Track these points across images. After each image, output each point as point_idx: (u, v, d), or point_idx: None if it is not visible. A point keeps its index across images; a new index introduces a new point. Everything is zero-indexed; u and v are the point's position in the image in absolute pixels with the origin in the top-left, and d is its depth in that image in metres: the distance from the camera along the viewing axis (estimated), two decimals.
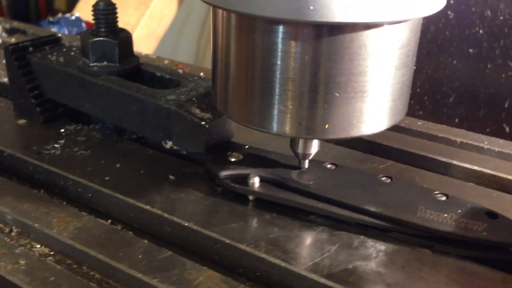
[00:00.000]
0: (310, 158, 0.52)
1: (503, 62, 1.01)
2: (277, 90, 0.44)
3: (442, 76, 1.08)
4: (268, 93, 0.44)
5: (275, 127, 0.46)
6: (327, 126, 0.44)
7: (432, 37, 1.07)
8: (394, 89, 0.45)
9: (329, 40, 0.41)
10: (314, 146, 0.51)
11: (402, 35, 0.43)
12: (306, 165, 0.53)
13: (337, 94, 0.43)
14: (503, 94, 1.03)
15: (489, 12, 1.00)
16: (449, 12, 1.04)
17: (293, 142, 0.51)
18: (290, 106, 0.44)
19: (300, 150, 0.51)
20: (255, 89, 0.45)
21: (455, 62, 1.06)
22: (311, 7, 0.38)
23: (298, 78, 0.43)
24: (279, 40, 0.42)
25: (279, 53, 0.43)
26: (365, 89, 0.43)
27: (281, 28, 0.42)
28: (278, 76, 0.43)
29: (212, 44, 0.49)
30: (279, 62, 0.43)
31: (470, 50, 1.03)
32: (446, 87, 1.09)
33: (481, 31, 1.01)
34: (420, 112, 1.12)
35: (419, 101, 1.12)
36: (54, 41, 0.69)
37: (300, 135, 0.46)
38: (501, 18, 0.99)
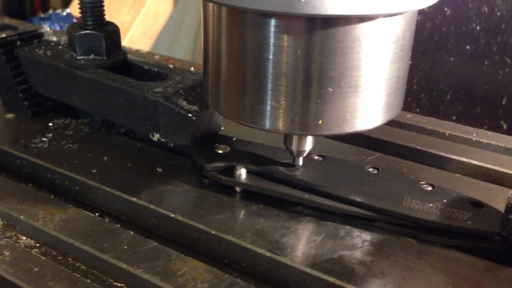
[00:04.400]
0: (304, 155, 0.51)
1: (500, 58, 1.01)
2: (269, 85, 0.43)
3: (438, 73, 1.08)
4: (260, 88, 0.43)
5: (267, 123, 0.45)
6: (320, 122, 0.43)
7: (429, 34, 1.07)
8: (389, 84, 0.44)
9: (321, 34, 0.40)
10: (309, 143, 0.50)
11: (396, 28, 0.42)
12: (301, 163, 0.52)
13: (331, 89, 0.42)
14: (500, 91, 1.02)
15: (486, 8, 1.00)
16: (446, 9, 1.04)
17: (287, 139, 0.50)
18: (283, 102, 0.43)
19: (294, 147, 0.50)
20: (247, 85, 0.44)
21: (452, 59, 1.06)
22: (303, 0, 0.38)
23: (291, 72, 0.42)
24: (271, 34, 0.41)
25: (271, 47, 0.42)
26: (359, 84, 0.42)
27: (272, 22, 0.41)
28: (270, 71, 0.42)
29: (203, 39, 0.48)
30: (271, 57, 0.42)
31: (467, 47, 1.03)
32: (443, 84, 1.08)
33: (478, 28, 1.01)
34: (417, 110, 1.11)
35: (416, 98, 1.12)
36: (42, 35, 0.69)
37: (294, 131, 0.45)
38: (498, 14, 0.99)
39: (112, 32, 0.62)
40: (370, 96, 0.43)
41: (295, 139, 0.50)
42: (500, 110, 1.04)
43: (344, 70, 0.42)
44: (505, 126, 1.04)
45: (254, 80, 0.44)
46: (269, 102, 0.44)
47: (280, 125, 0.44)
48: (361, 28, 0.40)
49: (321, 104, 0.43)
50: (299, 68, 0.42)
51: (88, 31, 0.61)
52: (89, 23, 0.61)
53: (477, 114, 1.06)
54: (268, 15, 0.41)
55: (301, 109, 0.43)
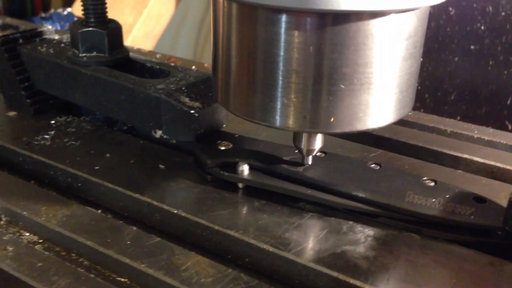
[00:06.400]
0: (314, 154, 0.51)
1: (505, 58, 1.00)
2: (280, 82, 0.42)
3: (443, 73, 1.08)
4: (271, 85, 0.43)
5: (278, 121, 0.44)
6: (332, 119, 0.43)
7: (433, 34, 1.06)
8: (401, 81, 0.44)
9: (334, 30, 0.40)
10: (318, 141, 0.50)
11: (409, 25, 0.42)
12: (310, 162, 0.51)
13: (343, 86, 0.41)
14: (505, 91, 1.02)
15: (490, 8, 0.99)
16: (450, 8, 1.03)
17: (297, 137, 0.50)
18: (294, 99, 0.42)
19: (303, 145, 0.50)
20: (258, 82, 0.43)
21: (456, 59, 1.05)
22: None
23: (302, 69, 0.41)
24: (282, 30, 0.41)
25: (282, 44, 0.41)
26: (371, 81, 0.42)
27: (284, 18, 0.40)
28: (281, 68, 0.42)
29: (212, 36, 0.48)
30: (282, 53, 0.41)
31: (472, 47, 1.03)
32: (447, 85, 1.08)
33: (482, 27, 1.01)
34: (421, 110, 1.11)
35: (420, 98, 1.12)
36: (44, 33, 0.69)
37: (305, 129, 0.44)
38: (503, 14, 0.98)
39: (114, 30, 0.62)
40: (382, 93, 0.43)
41: (304, 137, 0.49)
42: (505, 110, 1.04)
43: (357, 66, 0.41)
44: (510, 127, 1.03)
45: (265, 77, 0.43)
46: (280, 99, 0.43)
47: (291, 122, 0.44)
48: (374, 24, 0.40)
49: (333, 101, 0.42)
50: (311, 64, 0.41)
51: (90, 29, 0.61)
52: (92, 20, 0.61)
53: (481, 115, 1.06)
54: (280, 11, 0.40)
55: (313, 106, 0.42)
